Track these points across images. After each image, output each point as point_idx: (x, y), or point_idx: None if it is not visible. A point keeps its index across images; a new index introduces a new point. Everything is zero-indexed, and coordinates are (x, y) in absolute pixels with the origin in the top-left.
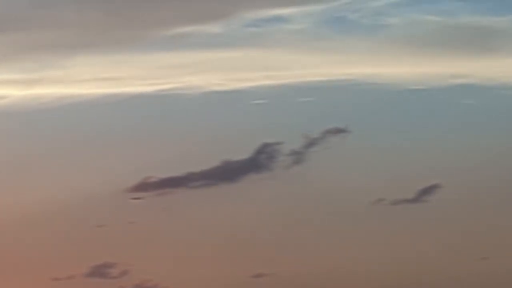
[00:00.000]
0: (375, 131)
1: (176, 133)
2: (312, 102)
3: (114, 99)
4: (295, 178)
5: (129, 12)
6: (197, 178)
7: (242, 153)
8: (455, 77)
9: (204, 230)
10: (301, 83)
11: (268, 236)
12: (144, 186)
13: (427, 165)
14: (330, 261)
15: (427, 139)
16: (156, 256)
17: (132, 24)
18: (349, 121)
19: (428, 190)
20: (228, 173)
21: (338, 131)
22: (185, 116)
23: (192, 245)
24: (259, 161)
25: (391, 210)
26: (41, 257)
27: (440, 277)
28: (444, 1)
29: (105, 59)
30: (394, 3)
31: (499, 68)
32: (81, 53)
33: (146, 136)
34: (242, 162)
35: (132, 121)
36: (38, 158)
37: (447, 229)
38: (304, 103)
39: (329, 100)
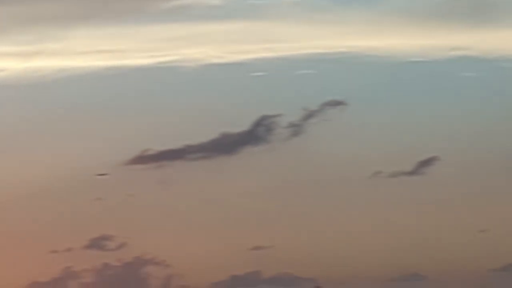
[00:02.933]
0: (373, 103)
1: (174, 105)
2: (311, 74)
3: (113, 72)
4: (293, 150)
5: None
6: (195, 151)
7: (240, 126)
8: (455, 49)
9: (202, 202)
10: (300, 55)
11: (266, 209)
12: (142, 159)
13: (425, 137)
14: (327, 233)
15: (426, 111)
16: (154, 229)
17: None
18: (347, 93)
19: (426, 163)
20: (226, 145)
21: (337, 103)
22: (184, 88)
23: (190, 217)
24: (257, 133)
25: (389, 182)
26: (40, 230)
27: (438, 250)
28: None
29: (104, 31)
30: None
31: (499, 41)
32: (80, 26)
33: (144, 108)
34: (240, 134)
35: (130, 93)
36: (37, 132)
37: (445, 201)
38: (303, 76)
39: (328, 72)
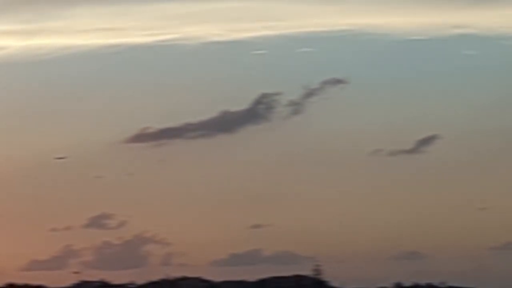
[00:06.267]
0: (374, 81)
1: (174, 83)
2: (311, 52)
3: (114, 50)
4: (293, 128)
5: None
6: (194, 129)
7: (241, 104)
8: (456, 27)
9: (202, 181)
10: (301, 33)
11: (266, 187)
12: (141, 137)
13: (426, 115)
14: (328, 211)
15: (426, 89)
16: (154, 207)
17: None
18: (348, 71)
19: (426, 141)
20: (226, 123)
21: (337, 81)
22: (184, 66)
23: (190, 196)
24: (258, 111)
25: (389, 160)
26: (40, 208)
27: (438, 227)
28: None
29: (105, 9)
30: None
31: (499, 18)
32: (81, 4)
33: (144, 86)
34: (240, 112)
35: (130, 71)
36: (37, 110)
37: (445, 179)
38: (303, 54)
39: (328, 50)
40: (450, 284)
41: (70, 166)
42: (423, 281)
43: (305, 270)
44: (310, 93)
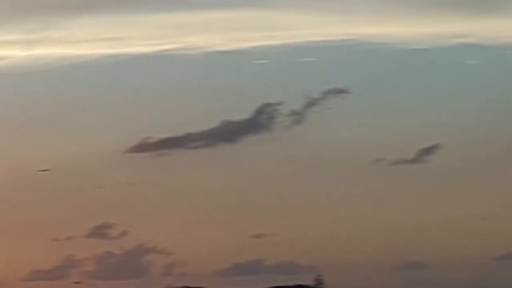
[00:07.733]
0: (376, 91)
1: (176, 93)
2: (313, 62)
3: (116, 60)
4: (295, 138)
5: None
6: (196, 139)
7: (242, 113)
8: (458, 37)
9: (203, 191)
10: (303, 43)
11: (268, 197)
12: (143, 147)
13: (428, 125)
14: (329, 221)
15: (428, 99)
16: (156, 217)
17: None
18: (350, 81)
19: (428, 151)
20: (227, 133)
21: (339, 91)
22: (186, 76)
23: (192, 205)
24: (259, 121)
25: (391, 170)
26: (41, 218)
27: (440, 237)
28: None
29: (107, 19)
30: None
31: (501, 28)
32: (83, 14)
33: (146, 96)
34: (241, 122)
35: (132, 81)
36: (39, 119)
37: (447, 189)
38: (305, 63)
39: (330, 60)
40: None
41: (72, 175)
42: None
43: (307, 280)
44: (311, 103)
